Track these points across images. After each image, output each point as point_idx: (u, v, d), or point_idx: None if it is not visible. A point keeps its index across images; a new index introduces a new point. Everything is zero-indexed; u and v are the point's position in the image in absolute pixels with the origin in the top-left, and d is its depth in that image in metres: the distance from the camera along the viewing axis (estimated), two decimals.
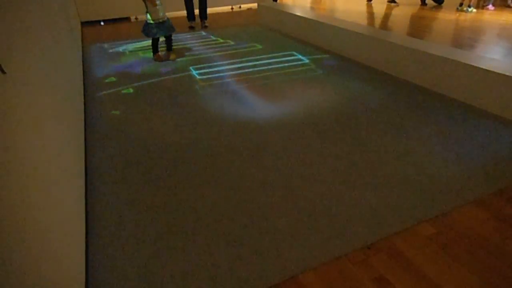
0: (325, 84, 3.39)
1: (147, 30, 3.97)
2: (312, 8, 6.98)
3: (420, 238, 1.62)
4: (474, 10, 6.00)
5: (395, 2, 6.63)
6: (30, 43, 1.53)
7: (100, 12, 6.35)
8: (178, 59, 4.22)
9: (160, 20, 3.93)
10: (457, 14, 5.86)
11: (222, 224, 1.73)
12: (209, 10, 7.19)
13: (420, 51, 3.23)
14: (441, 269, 1.47)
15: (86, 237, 1.68)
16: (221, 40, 5.04)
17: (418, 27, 5.24)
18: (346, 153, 2.27)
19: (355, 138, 2.43)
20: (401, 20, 5.72)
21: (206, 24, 5.87)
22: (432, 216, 1.74)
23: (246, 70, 3.81)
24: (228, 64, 4.04)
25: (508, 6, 6.44)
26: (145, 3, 3.79)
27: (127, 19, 6.69)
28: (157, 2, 3.81)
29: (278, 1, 7.12)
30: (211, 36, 5.28)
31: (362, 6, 6.85)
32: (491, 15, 5.71)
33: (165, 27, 4.02)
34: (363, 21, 4.98)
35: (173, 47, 4.46)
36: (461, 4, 6.07)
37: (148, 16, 3.88)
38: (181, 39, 5.19)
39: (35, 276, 0.94)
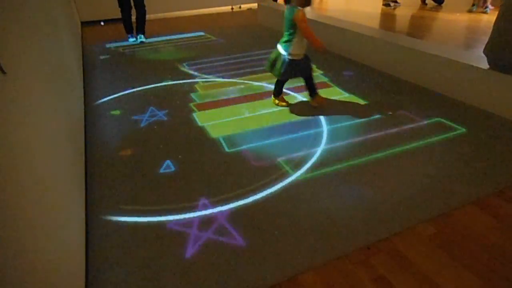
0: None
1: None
2: (313, 8, 6.98)
3: (420, 238, 1.62)
4: (492, 7, 5.91)
5: (391, 5, 6.60)
6: (30, 43, 1.53)
7: (100, 12, 6.34)
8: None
9: (301, 57, 2.72)
10: (458, 14, 5.85)
11: None
12: (210, 10, 7.20)
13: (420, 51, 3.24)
14: (441, 269, 1.47)
15: (86, 237, 1.68)
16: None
17: (420, 27, 5.24)
18: (345, 151, 2.27)
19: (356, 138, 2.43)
20: (403, 20, 5.72)
21: (143, 39, 5.04)
22: (432, 216, 1.74)
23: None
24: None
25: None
26: (293, 32, 2.63)
27: None
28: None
29: (278, 1, 7.12)
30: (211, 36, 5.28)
31: (364, 6, 6.85)
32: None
33: (302, 66, 2.76)
34: (365, 22, 4.97)
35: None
36: (473, 5, 6.00)
37: (289, 48, 2.65)
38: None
39: (35, 276, 0.94)
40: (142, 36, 5.08)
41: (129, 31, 5.10)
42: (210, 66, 3.96)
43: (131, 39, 5.10)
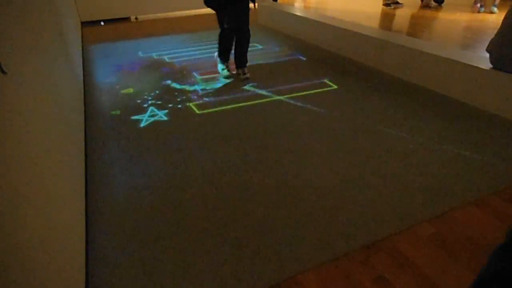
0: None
1: None
2: (302, 6, 6.98)
3: (420, 238, 1.62)
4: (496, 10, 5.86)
5: (391, 5, 6.59)
6: (30, 43, 1.53)
7: (100, 12, 6.35)
8: None
9: None
10: (458, 14, 5.85)
11: (222, 225, 1.73)
12: (209, 11, 7.17)
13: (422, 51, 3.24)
14: (441, 269, 1.47)
15: (86, 237, 1.68)
16: None
17: (420, 27, 5.24)
18: (347, 152, 2.27)
19: (355, 138, 2.43)
20: (403, 20, 5.72)
21: (247, 74, 3.54)
22: (432, 216, 1.74)
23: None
24: None
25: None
26: None
27: (127, 19, 6.69)
28: None
29: (278, 1, 7.12)
30: None
31: (364, 6, 6.85)
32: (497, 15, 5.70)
33: None
34: (365, 22, 4.98)
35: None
36: (481, 6, 5.93)
37: None
38: None
39: (36, 276, 0.94)
40: (245, 69, 3.58)
41: (227, 58, 3.69)
42: None
43: (224, 72, 3.63)
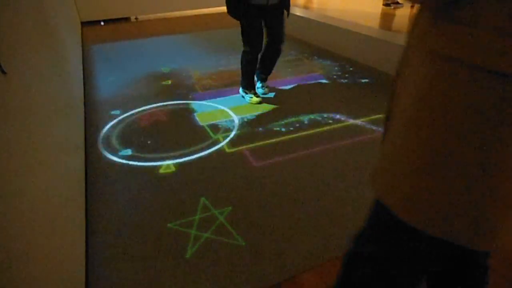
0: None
1: None
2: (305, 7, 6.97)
3: None
4: None
5: (391, 5, 6.59)
6: (30, 44, 1.53)
7: (100, 12, 6.34)
8: None
9: None
10: None
11: None
12: (209, 11, 7.20)
13: None
14: None
15: (86, 237, 1.68)
16: None
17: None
18: (347, 152, 2.27)
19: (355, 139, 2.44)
20: (403, 20, 5.72)
21: (266, 89, 3.13)
22: None
23: None
24: None
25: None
26: None
27: (127, 19, 6.69)
28: None
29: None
30: None
31: (364, 6, 6.85)
32: None
33: None
34: (365, 22, 4.97)
35: None
36: None
37: None
38: None
39: (36, 275, 0.94)
40: (264, 84, 3.13)
41: (253, 85, 3.05)
42: None
43: (255, 99, 2.98)
